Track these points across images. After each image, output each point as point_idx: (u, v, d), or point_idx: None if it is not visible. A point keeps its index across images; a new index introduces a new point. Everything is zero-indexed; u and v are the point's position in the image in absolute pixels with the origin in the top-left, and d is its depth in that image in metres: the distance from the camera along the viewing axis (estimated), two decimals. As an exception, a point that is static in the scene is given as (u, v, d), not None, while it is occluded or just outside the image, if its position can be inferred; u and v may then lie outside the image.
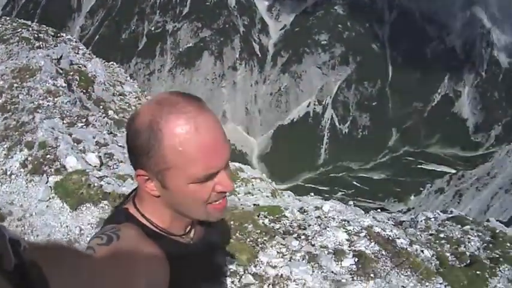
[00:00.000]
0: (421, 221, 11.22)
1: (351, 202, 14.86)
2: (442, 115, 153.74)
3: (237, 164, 12.96)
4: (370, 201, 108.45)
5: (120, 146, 7.84)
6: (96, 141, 7.59)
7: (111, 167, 6.74)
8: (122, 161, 6.98)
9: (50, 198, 6.13)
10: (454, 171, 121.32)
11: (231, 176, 1.15)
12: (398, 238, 7.75)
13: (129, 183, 6.18)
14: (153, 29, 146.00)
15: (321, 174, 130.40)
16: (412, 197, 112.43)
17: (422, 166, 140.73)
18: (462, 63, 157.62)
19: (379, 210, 14.79)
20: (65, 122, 7.87)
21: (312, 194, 12.54)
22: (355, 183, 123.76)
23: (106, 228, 1.12)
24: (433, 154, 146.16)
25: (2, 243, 0.52)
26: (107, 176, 6.12)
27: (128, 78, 13.67)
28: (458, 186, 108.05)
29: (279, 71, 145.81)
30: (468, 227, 10.72)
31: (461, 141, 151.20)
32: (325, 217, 7.05)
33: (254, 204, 7.23)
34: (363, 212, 10.98)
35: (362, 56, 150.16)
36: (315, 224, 6.71)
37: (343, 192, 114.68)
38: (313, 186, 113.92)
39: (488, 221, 11.75)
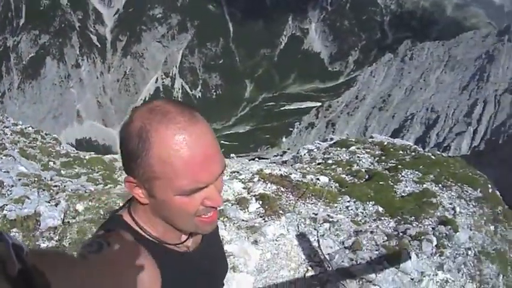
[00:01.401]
0: (304, 154, 11.42)
1: (233, 155, 15.58)
2: (293, 55, 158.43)
3: (109, 156, 13.21)
4: (244, 154, 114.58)
5: (4, 171, 7.85)
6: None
7: (5, 195, 6.43)
8: (12, 185, 6.86)
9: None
10: (319, 103, 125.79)
11: (221, 190, 1.14)
12: (291, 174, 7.90)
13: (28, 203, 5.78)
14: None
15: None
16: (284, 139, 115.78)
17: (285, 108, 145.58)
18: (304, 2, 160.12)
19: (256, 159, 14.94)
20: None
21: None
22: (223, 142, 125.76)
23: (97, 235, 1.13)
24: (292, 94, 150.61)
25: (5, 249, 0.53)
26: (6, 204, 5.70)
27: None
28: (328, 116, 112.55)
29: (121, 56, 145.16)
30: (354, 147, 10.99)
31: (319, 75, 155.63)
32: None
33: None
34: (247, 160, 11.43)
35: (200, 20, 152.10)
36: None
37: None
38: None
39: (372, 137, 12.49)
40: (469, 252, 5.95)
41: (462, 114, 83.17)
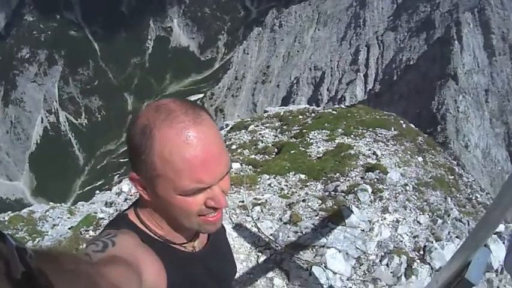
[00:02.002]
0: None
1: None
2: (163, 56, 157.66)
3: (25, 210, 11.80)
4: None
5: None
6: None
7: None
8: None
9: None
10: (202, 95, 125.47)
11: (226, 190, 1.12)
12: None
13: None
14: None
15: (91, 172, 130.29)
16: None
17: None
18: (162, 1, 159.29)
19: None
20: None
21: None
22: (121, 160, 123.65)
23: (103, 234, 1.10)
24: (173, 93, 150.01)
25: (9, 251, 0.53)
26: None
27: None
28: (214, 104, 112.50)
29: (3, 106, 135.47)
30: (252, 126, 10.65)
31: (193, 67, 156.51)
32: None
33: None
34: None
35: (66, 49, 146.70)
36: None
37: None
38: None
39: (266, 111, 12.19)
40: (407, 187, 6.14)
41: (347, 64, 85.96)
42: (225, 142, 10.94)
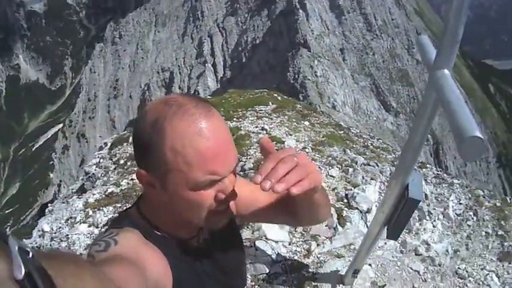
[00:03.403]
0: (94, 173, 9.43)
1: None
2: (16, 95, 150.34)
3: None
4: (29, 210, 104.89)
5: None
6: None
7: None
8: None
9: None
10: (61, 124, 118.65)
11: (235, 184, 1.11)
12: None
13: None
14: None
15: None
16: (53, 175, 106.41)
17: (36, 147, 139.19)
18: (5, 40, 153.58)
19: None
20: None
21: None
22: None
23: (105, 233, 1.09)
24: (35, 130, 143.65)
25: (11, 251, 0.53)
26: None
27: None
28: (75, 131, 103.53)
29: None
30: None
31: (46, 99, 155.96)
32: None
33: None
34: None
35: None
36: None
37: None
38: None
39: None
40: (307, 150, 6.22)
41: (193, 58, 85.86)
42: (111, 160, 10.46)
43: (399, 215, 3.31)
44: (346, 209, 4.62)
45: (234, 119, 8.11)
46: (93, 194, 6.94)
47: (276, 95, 10.06)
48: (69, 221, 5.61)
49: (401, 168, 3.13)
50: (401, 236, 5.92)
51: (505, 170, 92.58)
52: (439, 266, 5.98)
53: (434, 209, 6.85)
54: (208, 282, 1.26)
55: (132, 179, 6.91)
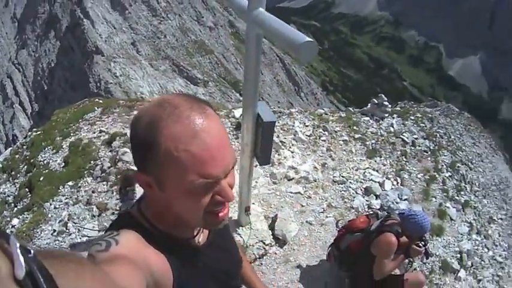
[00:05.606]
0: None
1: None
2: None
3: None
4: None
5: None
6: None
7: None
8: None
9: None
10: None
11: (233, 185, 1.10)
12: None
13: None
14: None
15: None
16: None
17: None
18: None
19: None
20: None
21: None
22: None
23: (106, 234, 1.07)
24: None
25: (12, 251, 0.53)
26: None
27: None
28: None
29: None
30: None
31: None
32: None
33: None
34: None
35: None
36: None
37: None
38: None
39: None
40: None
41: (0, 104, 78.53)
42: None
43: (262, 141, 3.64)
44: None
45: (71, 134, 8.18)
46: None
47: (97, 99, 10.41)
48: None
49: (247, 100, 3.50)
50: (266, 169, 6.64)
51: (335, 95, 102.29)
52: (315, 181, 6.70)
53: (285, 137, 7.55)
54: (209, 282, 1.28)
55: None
